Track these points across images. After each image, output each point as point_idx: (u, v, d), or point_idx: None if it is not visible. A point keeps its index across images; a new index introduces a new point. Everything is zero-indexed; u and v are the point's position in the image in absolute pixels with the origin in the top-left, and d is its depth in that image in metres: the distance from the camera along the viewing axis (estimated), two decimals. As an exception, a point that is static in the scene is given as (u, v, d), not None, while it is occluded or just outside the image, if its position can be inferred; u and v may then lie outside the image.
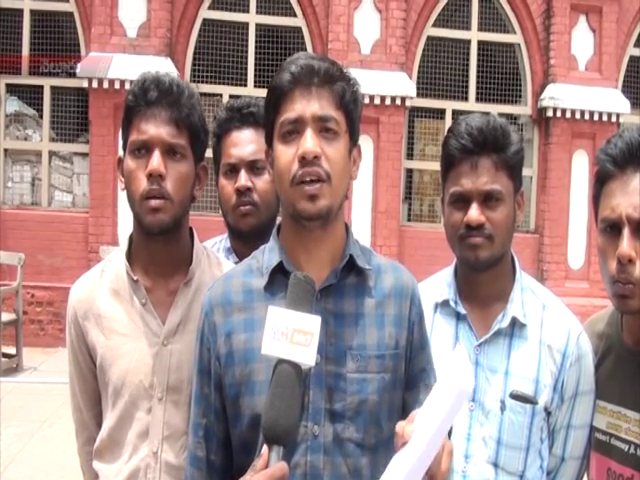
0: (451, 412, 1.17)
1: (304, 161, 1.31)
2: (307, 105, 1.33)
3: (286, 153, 1.34)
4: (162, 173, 1.56)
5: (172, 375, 1.60)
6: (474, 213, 1.61)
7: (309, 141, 1.32)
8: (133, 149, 1.59)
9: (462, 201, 1.64)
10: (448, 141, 1.67)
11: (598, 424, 1.67)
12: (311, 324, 1.16)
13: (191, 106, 1.61)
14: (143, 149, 1.58)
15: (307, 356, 1.14)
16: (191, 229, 1.73)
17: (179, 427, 1.59)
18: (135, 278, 1.64)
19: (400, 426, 1.21)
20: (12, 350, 7.18)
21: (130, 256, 1.68)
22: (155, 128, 1.57)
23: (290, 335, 1.15)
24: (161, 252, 1.65)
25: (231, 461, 1.42)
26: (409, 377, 1.43)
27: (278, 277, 1.39)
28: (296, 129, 1.34)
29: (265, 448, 1.14)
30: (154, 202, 1.56)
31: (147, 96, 1.58)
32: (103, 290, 1.67)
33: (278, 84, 1.36)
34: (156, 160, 1.55)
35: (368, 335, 1.38)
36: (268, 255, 1.42)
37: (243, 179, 2.00)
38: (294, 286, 1.21)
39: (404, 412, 1.41)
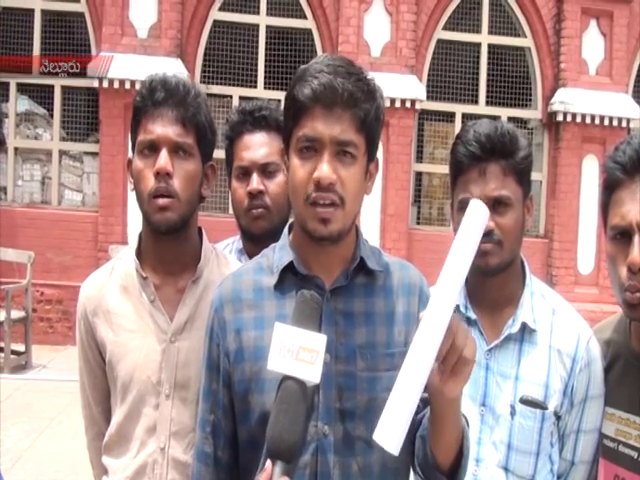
0: (470, 240, 1.16)
1: (319, 185, 1.31)
2: (327, 127, 1.30)
3: (302, 170, 1.33)
4: (169, 171, 1.57)
5: (180, 372, 1.62)
6: None
7: (325, 167, 1.30)
8: (141, 149, 1.61)
9: None
10: (456, 148, 1.67)
11: (606, 431, 1.66)
12: (317, 342, 1.17)
13: (197, 105, 1.63)
14: (151, 149, 1.60)
15: (312, 374, 1.15)
16: (200, 228, 1.75)
17: (186, 423, 1.60)
18: (144, 275, 1.66)
19: (422, 313, 1.18)
20: (21, 347, 7.22)
21: (140, 254, 1.70)
22: (162, 128, 1.59)
23: (296, 352, 1.16)
24: (170, 250, 1.66)
25: (238, 458, 1.42)
26: None
27: (288, 276, 1.40)
28: (314, 147, 1.32)
29: (269, 462, 1.14)
30: (162, 201, 1.58)
31: (154, 97, 1.60)
32: (113, 287, 1.69)
33: (299, 97, 1.32)
34: (163, 159, 1.57)
35: (378, 334, 1.39)
36: (279, 254, 1.43)
37: (255, 182, 2.00)
38: (301, 304, 1.22)
39: (414, 413, 1.42)
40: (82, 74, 8.12)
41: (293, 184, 1.36)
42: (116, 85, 7.96)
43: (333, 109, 1.31)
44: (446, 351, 1.14)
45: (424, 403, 1.30)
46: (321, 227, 1.32)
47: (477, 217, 1.17)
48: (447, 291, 1.14)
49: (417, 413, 1.20)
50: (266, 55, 8.59)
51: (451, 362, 1.15)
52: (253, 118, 2.06)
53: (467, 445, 1.32)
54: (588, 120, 8.66)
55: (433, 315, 1.13)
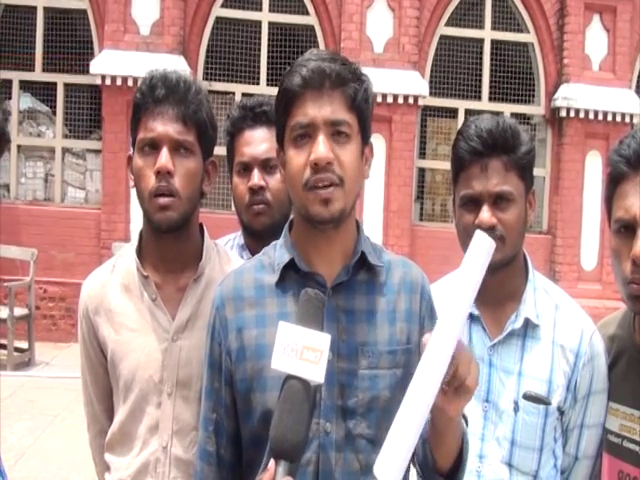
0: (475, 275, 1.16)
1: (316, 167, 1.31)
2: (319, 109, 1.32)
3: (298, 158, 1.34)
4: (170, 170, 1.56)
5: (181, 371, 1.61)
6: (485, 215, 1.61)
7: (321, 147, 1.31)
8: (141, 147, 1.60)
9: (473, 203, 1.64)
10: (458, 144, 1.66)
11: (610, 426, 1.66)
12: (321, 342, 1.16)
13: (198, 102, 1.62)
14: (151, 146, 1.59)
15: (316, 373, 1.15)
16: (201, 225, 1.74)
17: (188, 422, 1.60)
18: (145, 274, 1.65)
19: (426, 336, 1.18)
20: (24, 344, 7.24)
21: (140, 252, 1.69)
22: (163, 125, 1.58)
23: (300, 352, 1.15)
24: (171, 249, 1.66)
25: (241, 456, 1.42)
26: None
27: (289, 274, 1.39)
28: (308, 133, 1.33)
29: (272, 462, 1.14)
30: (163, 200, 1.57)
31: (154, 94, 1.59)
32: (114, 285, 1.68)
33: (289, 87, 1.35)
34: (164, 157, 1.56)
35: (380, 331, 1.38)
36: (279, 251, 1.43)
37: (256, 178, 2.00)
38: (305, 303, 1.22)
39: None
40: (85, 71, 8.14)
41: (290, 173, 1.36)
42: (119, 82, 7.97)
43: (322, 90, 1.33)
44: (449, 377, 1.15)
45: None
46: (322, 209, 1.32)
47: (482, 249, 1.17)
48: (452, 322, 1.14)
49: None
50: (269, 52, 8.59)
51: (453, 386, 1.16)
52: (254, 114, 2.06)
53: (466, 448, 1.33)
54: (591, 116, 8.64)
55: (437, 346, 1.13)
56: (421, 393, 1.12)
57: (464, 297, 1.15)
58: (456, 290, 1.16)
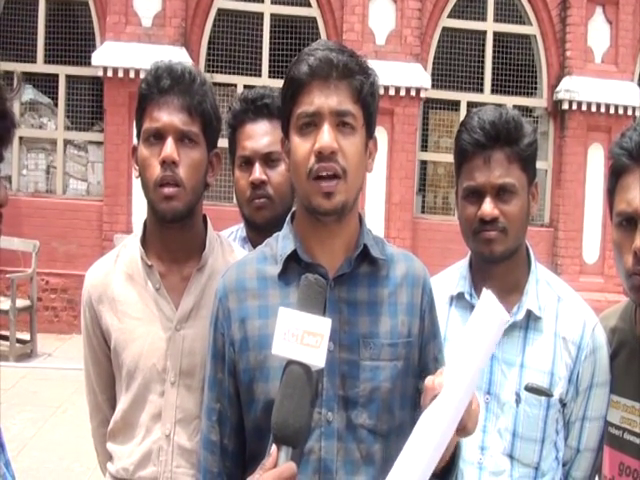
0: (490, 345, 1.18)
1: (320, 156, 1.32)
2: (325, 99, 1.33)
3: (303, 146, 1.35)
4: (175, 160, 1.57)
5: (185, 360, 1.62)
6: (488, 207, 1.61)
7: (326, 136, 1.32)
8: (146, 137, 1.61)
9: (476, 195, 1.64)
10: (461, 135, 1.66)
11: (611, 418, 1.66)
12: (321, 326, 1.17)
13: (203, 93, 1.63)
14: (156, 137, 1.60)
15: (317, 357, 1.15)
16: (205, 216, 1.75)
17: (192, 411, 1.61)
18: (149, 263, 1.66)
19: (430, 379, 1.21)
20: (26, 336, 7.26)
21: (145, 242, 1.70)
22: (168, 116, 1.59)
23: (300, 336, 1.15)
24: (175, 238, 1.67)
25: (244, 446, 1.43)
26: (422, 366, 1.44)
27: (292, 265, 1.40)
28: (313, 122, 1.34)
29: (274, 447, 1.15)
30: (167, 190, 1.58)
31: (160, 84, 1.60)
32: (118, 275, 1.69)
33: (296, 75, 1.35)
34: (169, 147, 1.57)
35: (381, 323, 1.39)
36: (282, 243, 1.43)
37: (258, 172, 2.00)
38: (305, 288, 1.22)
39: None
40: (86, 63, 8.13)
41: (295, 161, 1.37)
42: (120, 74, 7.96)
43: (329, 80, 1.34)
44: None
45: None
46: (325, 201, 1.33)
47: (493, 315, 1.19)
48: (466, 382, 1.17)
49: None
50: (270, 44, 8.57)
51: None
52: (255, 107, 2.05)
53: (458, 452, 1.35)
54: (594, 108, 8.62)
55: (452, 400, 1.16)
56: (431, 447, 1.15)
57: (477, 364, 1.18)
58: (469, 356, 1.18)
